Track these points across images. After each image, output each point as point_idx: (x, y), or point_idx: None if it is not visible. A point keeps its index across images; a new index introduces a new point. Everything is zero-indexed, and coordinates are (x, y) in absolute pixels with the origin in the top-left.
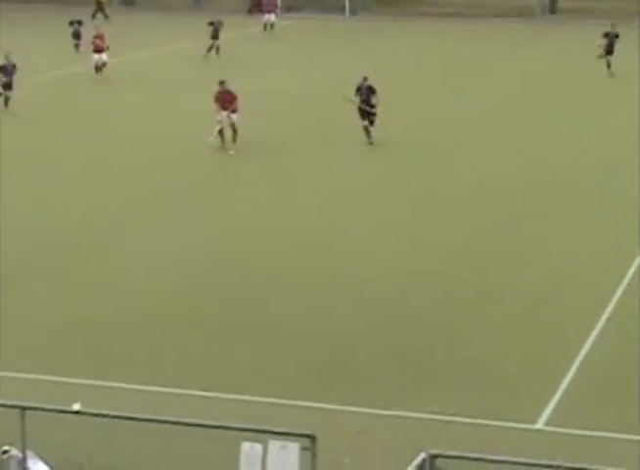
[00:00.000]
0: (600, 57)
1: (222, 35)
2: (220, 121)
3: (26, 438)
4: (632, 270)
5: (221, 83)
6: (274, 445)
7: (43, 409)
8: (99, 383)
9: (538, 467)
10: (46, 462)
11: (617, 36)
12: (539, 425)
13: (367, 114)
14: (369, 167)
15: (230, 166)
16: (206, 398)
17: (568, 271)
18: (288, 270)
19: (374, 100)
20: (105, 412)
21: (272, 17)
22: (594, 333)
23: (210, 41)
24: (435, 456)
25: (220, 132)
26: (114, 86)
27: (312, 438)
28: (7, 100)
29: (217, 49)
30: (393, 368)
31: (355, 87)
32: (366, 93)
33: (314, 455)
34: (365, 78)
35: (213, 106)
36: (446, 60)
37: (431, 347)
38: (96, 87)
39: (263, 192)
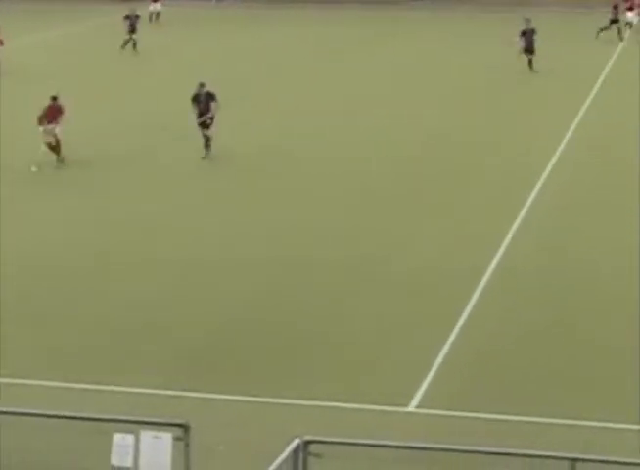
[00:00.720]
0: (520, 52)
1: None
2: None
3: None
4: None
5: (53, 99)
6: (146, 435)
7: None
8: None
9: (410, 449)
10: None
11: (534, 32)
12: (411, 408)
13: (205, 125)
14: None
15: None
16: (76, 389)
17: (441, 253)
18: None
19: (213, 107)
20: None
21: (158, 5)
22: (464, 316)
23: (127, 36)
24: (309, 442)
25: (51, 147)
26: None
27: (185, 427)
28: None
29: (134, 44)
30: (267, 355)
31: (192, 96)
32: (205, 101)
33: (187, 445)
34: (202, 85)
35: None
36: (314, 47)
37: (305, 333)
38: None
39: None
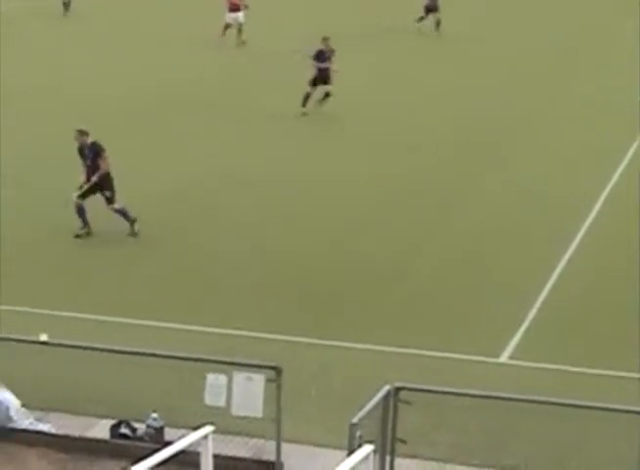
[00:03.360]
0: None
1: None
2: None
3: None
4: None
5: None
6: (239, 376)
7: (10, 339)
8: (63, 314)
9: (501, 400)
10: (12, 391)
11: None
12: (503, 359)
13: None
14: None
15: None
16: (173, 329)
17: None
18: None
19: (102, 166)
20: (71, 343)
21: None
22: (557, 270)
23: None
24: (400, 389)
25: None
26: None
27: (278, 369)
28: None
29: None
30: (361, 302)
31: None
32: (91, 156)
33: (279, 387)
34: (82, 133)
35: None
36: None
37: (396, 281)
38: None
39: None
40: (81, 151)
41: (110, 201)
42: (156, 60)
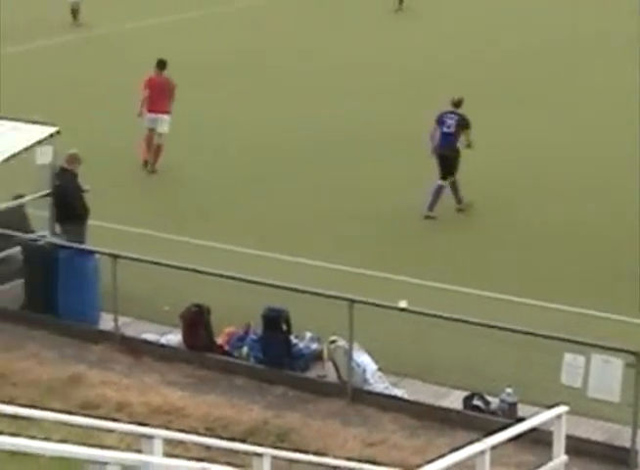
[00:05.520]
0: None
1: None
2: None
3: (353, 330)
4: None
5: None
6: (597, 358)
7: (370, 303)
8: (422, 283)
9: None
10: (370, 355)
11: None
12: None
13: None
14: None
15: None
16: (538, 307)
17: None
18: None
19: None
20: (429, 312)
21: None
22: None
23: None
24: None
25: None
26: None
27: (638, 355)
28: None
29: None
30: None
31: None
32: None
33: (638, 373)
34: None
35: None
36: None
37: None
38: None
39: None
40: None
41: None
42: None
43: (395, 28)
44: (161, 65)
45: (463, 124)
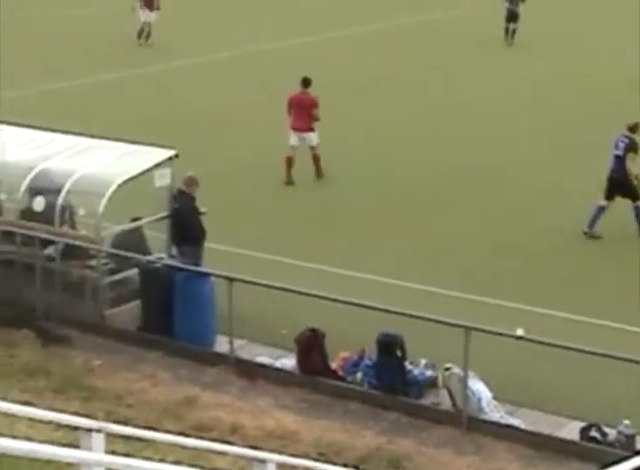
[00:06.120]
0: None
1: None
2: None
3: (469, 357)
4: None
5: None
6: None
7: (486, 331)
8: (540, 310)
9: None
10: (485, 383)
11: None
12: None
13: None
14: None
15: None
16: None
17: None
18: None
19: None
20: (546, 340)
21: None
22: None
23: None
24: None
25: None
26: None
27: None
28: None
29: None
30: None
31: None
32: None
33: None
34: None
35: None
36: None
37: None
38: None
39: None
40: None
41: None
42: None
43: (511, 61)
44: (306, 82)
45: (630, 148)
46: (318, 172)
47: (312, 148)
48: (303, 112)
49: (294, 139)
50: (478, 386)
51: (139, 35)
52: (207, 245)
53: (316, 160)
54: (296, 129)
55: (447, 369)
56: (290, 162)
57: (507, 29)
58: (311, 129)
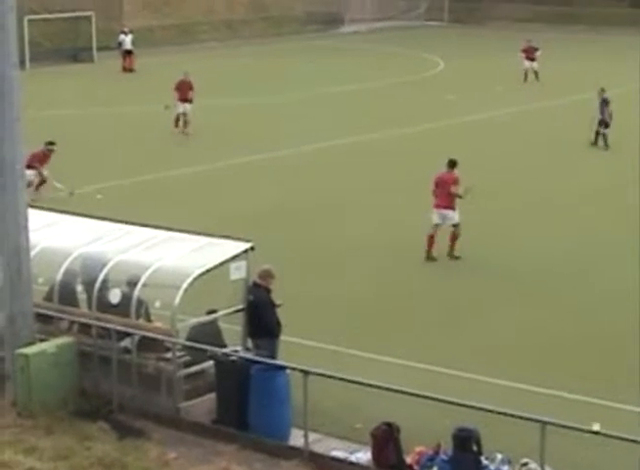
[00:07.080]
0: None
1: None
2: None
3: (545, 452)
4: None
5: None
6: None
7: (562, 426)
8: (616, 405)
9: None
10: None
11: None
12: None
13: None
14: None
15: None
16: None
17: None
18: None
19: None
20: (623, 435)
21: None
22: None
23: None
24: None
25: None
26: None
27: None
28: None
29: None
30: None
31: None
32: None
33: None
34: None
35: None
36: None
37: None
38: None
39: None
40: None
41: None
42: None
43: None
44: (451, 164)
45: None
46: (450, 252)
47: (455, 227)
48: (444, 190)
49: (437, 217)
50: None
51: (175, 124)
52: (283, 338)
53: (453, 239)
54: (438, 206)
55: (524, 465)
56: (431, 239)
57: (597, 133)
58: (451, 208)
